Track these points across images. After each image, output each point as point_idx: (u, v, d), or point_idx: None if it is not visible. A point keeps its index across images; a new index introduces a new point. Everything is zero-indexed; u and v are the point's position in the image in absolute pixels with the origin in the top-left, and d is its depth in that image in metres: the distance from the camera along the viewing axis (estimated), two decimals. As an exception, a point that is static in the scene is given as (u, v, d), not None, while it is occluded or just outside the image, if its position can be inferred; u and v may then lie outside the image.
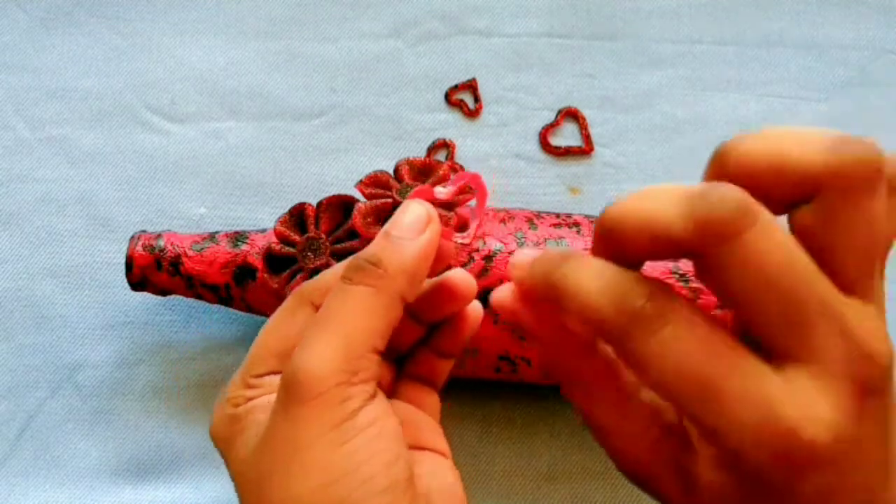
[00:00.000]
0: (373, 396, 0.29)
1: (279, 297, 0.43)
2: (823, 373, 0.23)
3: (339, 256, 0.43)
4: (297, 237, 0.43)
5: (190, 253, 0.45)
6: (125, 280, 0.46)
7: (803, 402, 0.23)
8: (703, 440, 0.27)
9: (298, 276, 0.43)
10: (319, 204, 0.44)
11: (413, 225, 0.31)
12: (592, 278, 0.25)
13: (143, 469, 0.50)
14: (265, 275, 0.43)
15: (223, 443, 0.31)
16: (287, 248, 0.43)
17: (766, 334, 0.24)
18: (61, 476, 0.49)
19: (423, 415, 0.35)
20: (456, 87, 0.54)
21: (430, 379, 0.36)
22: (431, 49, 0.55)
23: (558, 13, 0.56)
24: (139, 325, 0.51)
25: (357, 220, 0.42)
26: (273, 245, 0.43)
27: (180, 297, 0.46)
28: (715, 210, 0.22)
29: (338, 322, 0.29)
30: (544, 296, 0.26)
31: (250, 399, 0.32)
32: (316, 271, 0.43)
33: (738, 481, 0.25)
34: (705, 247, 0.23)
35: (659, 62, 0.55)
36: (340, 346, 0.29)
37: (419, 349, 0.36)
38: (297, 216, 0.44)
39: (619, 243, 0.25)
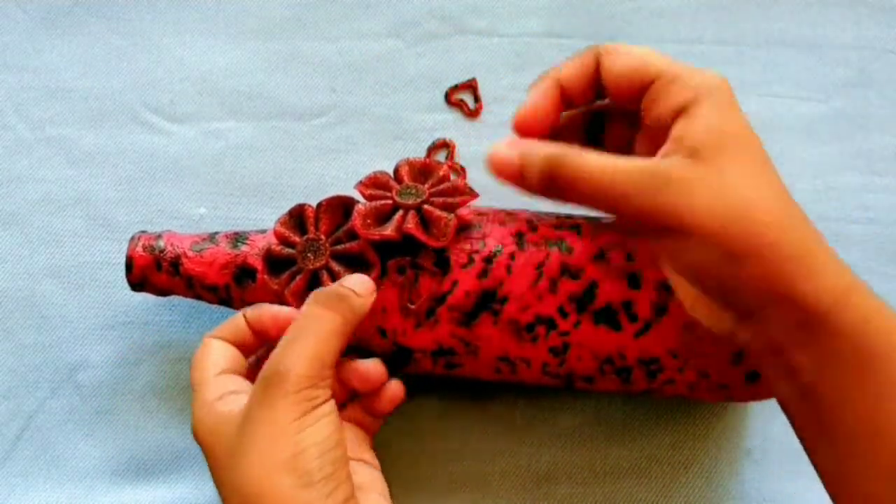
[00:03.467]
0: (329, 398, 0.38)
1: (279, 299, 0.43)
2: None
3: (339, 258, 0.43)
4: (296, 238, 0.43)
5: (190, 254, 0.45)
6: (125, 280, 0.46)
7: None
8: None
9: (298, 278, 0.43)
10: (319, 205, 0.44)
11: (369, 288, 0.41)
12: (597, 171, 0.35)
13: (143, 469, 0.50)
14: (265, 276, 0.43)
15: (212, 436, 0.38)
16: (287, 250, 0.43)
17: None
18: (61, 476, 0.49)
19: (359, 431, 0.44)
20: (456, 86, 0.54)
21: (363, 425, 0.44)
22: (431, 49, 0.55)
23: (558, 13, 0.56)
24: (139, 325, 0.51)
25: (357, 221, 0.42)
26: (273, 246, 0.43)
27: (180, 297, 0.46)
28: None
29: (316, 337, 0.38)
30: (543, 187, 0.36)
31: (229, 393, 0.39)
32: (316, 273, 0.43)
33: None
34: None
35: (659, 62, 0.55)
36: (316, 357, 0.37)
37: (352, 401, 0.45)
38: (297, 217, 0.44)
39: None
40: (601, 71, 0.38)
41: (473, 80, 0.54)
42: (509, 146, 0.37)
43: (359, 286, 0.40)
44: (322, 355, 0.37)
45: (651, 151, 0.36)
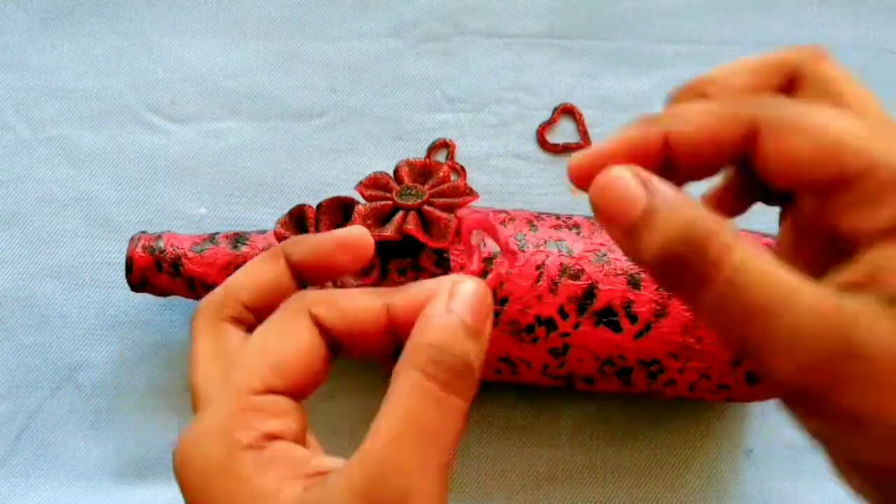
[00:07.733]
0: None
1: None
2: None
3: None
4: (297, 239, 0.43)
5: (190, 254, 0.45)
6: (125, 280, 0.46)
7: None
8: None
9: (298, 278, 0.43)
10: (319, 206, 0.44)
11: (488, 316, 0.27)
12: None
13: (143, 469, 0.50)
14: (265, 276, 0.43)
15: (228, 475, 0.25)
16: (287, 250, 0.43)
17: None
18: (61, 476, 0.49)
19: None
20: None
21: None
22: (431, 49, 0.55)
23: (558, 13, 0.56)
24: (139, 325, 0.51)
25: (357, 222, 0.42)
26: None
27: (181, 297, 0.46)
28: None
29: (440, 444, 0.25)
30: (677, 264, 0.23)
31: (269, 437, 0.26)
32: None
33: None
34: None
35: (659, 62, 0.55)
36: (441, 468, 0.25)
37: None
38: (297, 218, 0.44)
39: None
40: (763, 150, 0.25)
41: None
42: (635, 175, 0.24)
43: (487, 320, 0.27)
44: (446, 463, 0.25)
45: (791, 250, 0.27)
